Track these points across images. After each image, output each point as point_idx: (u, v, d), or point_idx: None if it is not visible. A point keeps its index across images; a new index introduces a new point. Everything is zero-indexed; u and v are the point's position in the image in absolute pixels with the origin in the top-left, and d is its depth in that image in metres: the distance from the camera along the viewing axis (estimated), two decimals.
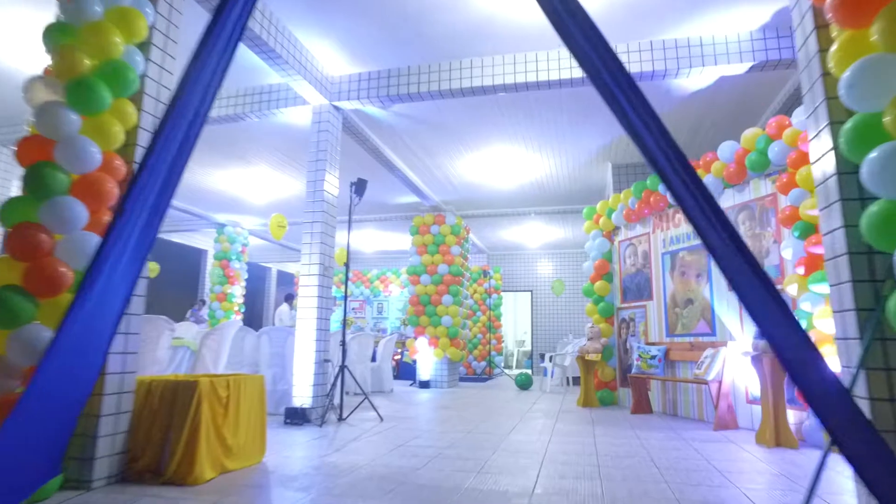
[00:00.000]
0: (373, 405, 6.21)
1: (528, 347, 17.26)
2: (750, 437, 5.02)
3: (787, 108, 6.33)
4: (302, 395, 5.56)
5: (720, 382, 5.59)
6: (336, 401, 5.99)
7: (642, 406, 6.67)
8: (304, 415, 5.33)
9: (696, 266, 6.29)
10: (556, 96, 6.46)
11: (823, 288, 4.71)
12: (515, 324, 17.75)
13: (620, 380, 7.48)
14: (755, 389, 5.48)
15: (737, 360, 5.64)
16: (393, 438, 4.81)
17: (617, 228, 7.73)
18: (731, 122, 7.06)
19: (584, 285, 8.02)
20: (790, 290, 4.97)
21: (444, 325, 10.10)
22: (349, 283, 15.40)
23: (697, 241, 6.29)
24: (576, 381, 10.60)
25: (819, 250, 4.76)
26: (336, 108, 6.40)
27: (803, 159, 5.01)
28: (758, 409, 5.45)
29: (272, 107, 6.52)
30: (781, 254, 5.06)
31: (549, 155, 8.25)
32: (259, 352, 6.35)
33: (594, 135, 7.51)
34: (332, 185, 6.22)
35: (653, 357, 6.55)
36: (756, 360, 4.85)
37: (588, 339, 7.50)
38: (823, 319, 4.72)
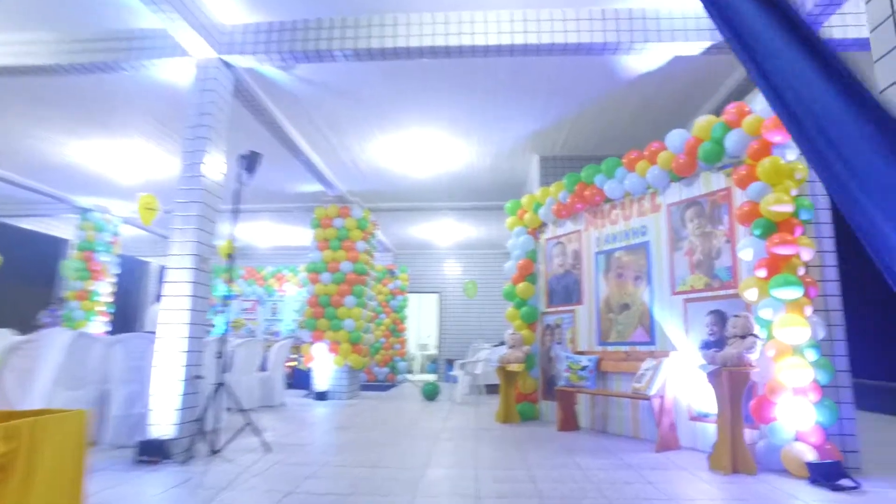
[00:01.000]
0: (257, 432, 4.96)
1: (432, 352, 16.36)
2: (697, 461, 4.35)
3: (732, 99, 5.82)
4: (162, 423, 4.20)
5: (663, 398, 4.90)
6: (211, 427, 4.69)
7: (570, 422, 5.91)
8: (163, 449, 4.00)
9: (635, 267, 5.62)
10: (491, 69, 5.55)
11: (787, 292, 4.12)
12: (419, 327, 16.79)
13: (543, 392, 6.70)
14: (699, 405, 4.84)
15: (680, 373, 4.99)
16: (280, 480, 3.63)
17: (544, 225, 6.98)
18: (674, 109, 6.49)
19: (504, 287, 7.19)
20: (748, 295, 4.35)
21: (346, 329, 8.91)
22: (240, 281, 13.74)
23: (637, 240, 5.63)
24: (488, 389, 9.79)
25: (783, 250, 4.18)
26: (226, 64, 5.10)
27: (765, 150, 4.42)
28: (702, 426, 4.81)
29: (143, 56, 5.11)
30: (738, 254, 4.44)
31: (474, 142, 7.35)
32: (111, 366, 4.89)
33: (525, 119, 6.70)
34: (216, 161, 4.92)
35: (583, 368, 5.80)
36: (714, 375, 4.17)
37: (509, 347, 6.67)
38: (786, 328, 4.13)
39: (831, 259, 4.52)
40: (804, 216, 4.39)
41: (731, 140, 4.60)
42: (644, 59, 5.37)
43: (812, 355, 4.15)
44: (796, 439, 4.09)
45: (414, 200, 10.05)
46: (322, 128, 6.94)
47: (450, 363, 12.83)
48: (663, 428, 4.81)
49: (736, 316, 4.23)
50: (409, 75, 5.71)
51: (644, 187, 5.54)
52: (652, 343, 5.35)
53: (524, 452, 4.66)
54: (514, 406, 6.50)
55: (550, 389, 6.55)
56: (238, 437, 4.92)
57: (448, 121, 6.74)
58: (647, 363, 5.10)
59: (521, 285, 6.92)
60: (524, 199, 7.09)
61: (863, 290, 6.02)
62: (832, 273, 4.50)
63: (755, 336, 4.12)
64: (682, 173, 5.09)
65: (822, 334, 4.24)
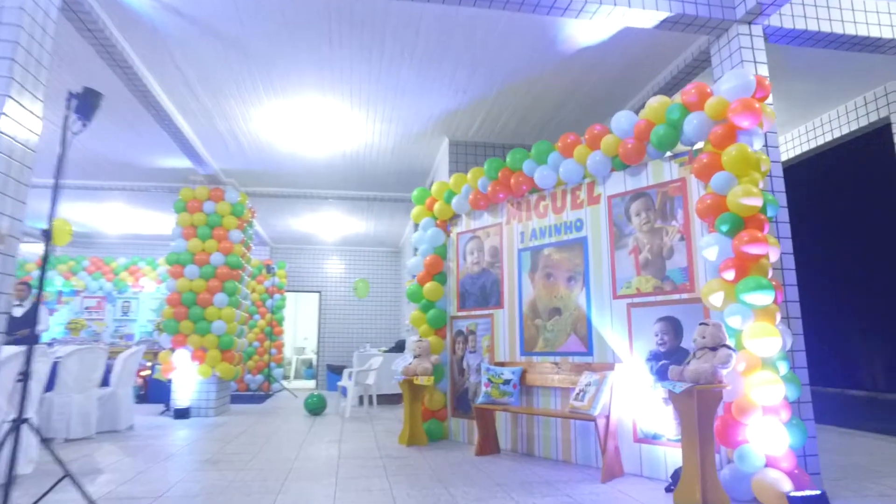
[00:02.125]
0: (79, 484, 3.45)
1: (309, 356, 14.82)
2: (654, 493, 3.59)
3: (676, 84, 5.24)
4: None
5: (608, 418, 4.12)
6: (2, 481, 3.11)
7: (490, 445, 4.97)
8: None
9: (568, 266, 4.82)
10: (411, 24, 4.46)
11: (758, 297, 3.48)
12: (296, 328, 15.17)
13: (453, 408, 5.72)
14: (648, 425, 4.12)
15: (624, 389, 4.25)
16: None
17: (457, 217, 6.01)
18: (602, 97, 5.79)
19: (408, 287, 6.13)
20: (713, 300, 3.68)
21: (215, 333, 7.33)
22: (83, 274, 11.31)
23: (571, 236, 4.83)
24: (381, 400, 8.64)
25: (754, 249, 3.54)
26: None
27: (730, 136, 3.77)
28: (650, 450, 4.09)
29: None
30: (702, 253, 3.76)
31: (378, 117, 6.18)
32: None
33: (441, 93, 5.67)
34: (30, 107, 3.34)
35: (507, 382, 4.90)
36: (684, 394, 3.42)
37: (414, 357, 5.61)
38: (756, 339, 3.49)
39: (789, 261, 4.00)
40: (770, 212, 3.82)
41: (691, 124, 3.93)
42: (590, 28, 4.58)
43: (783, 368, 3.56)
44: (766, 465, 3.48)
45: (300, 186, 8.61)
46: (194, 83, 5.41)
47: (332, 369, 11.47)
48: (609, 454, 4.03)
49: (704, 324, 3.53)
50: (311, 25, 4.45)
51: (581, 176, 4.76)
52: (588, 354, 4.57)
53: (452, 491, 3.62)
54: (420, 425, 5.44)
55: (462, 405, 5.59)
56: (55, 490, 3.36)
57: (351, 88, 5.53)
58: (587, 377, 4.30)
59: (428, 285, 5.89)
60: (434, 187, 6.07)
61: (811, 294, 5.72)
62: (791, 277, 3.98)
63: (729, 347, 3.43)
64: (630, 161, 4.36)
65: (789, 344, 3.68)
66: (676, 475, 3.67)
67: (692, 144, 4.09)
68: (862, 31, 4.43)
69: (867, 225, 6.39)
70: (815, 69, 5.42)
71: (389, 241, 12.63)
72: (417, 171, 7.89)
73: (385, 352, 9.24)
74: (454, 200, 5.81)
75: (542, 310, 4.97)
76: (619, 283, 4.41)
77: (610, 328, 4.43)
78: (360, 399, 8.65)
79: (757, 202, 3.61)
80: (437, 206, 6.01)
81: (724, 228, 3.66)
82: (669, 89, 5.33)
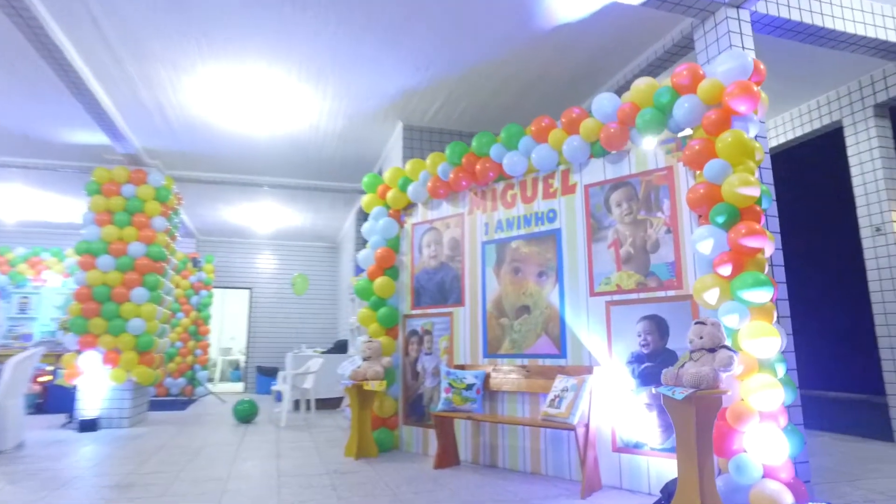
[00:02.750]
0: None
1: (236, 356, 13.73)
2: None
3: (652, 72, 4.92)
4: None
5: (588, 427, 3.69)
6: None
7: (449, 456, 4.44)
8: None
9: (538, 261, 4.37)
10: None
11: (757, 294, 3.16)
12: (222, 328, 14.01)
13: (404, 415, 5.15)
14: (628, 433, 3.73)
15: (603, 395, 3.84)
16: None
17: (412, 206, 5.44)
18: (579, 77, 5.38)
19: (356, 282, 5.49)
20: (708, 297, 3.33)
21: (132, 333, 6.37)
22: None
23: (543, 228, 4.39)
24: (318, 405, 7.89)
25: (752, 242, 3.21)
26: None
27: (725, 122, 3.44)
28: (631, 460, 3.69)
29: None
30: (697, 247, 3.39)
31: (328, 94, 5.50)
32: None
33: (400, 70, 5.09)
34: None
35: (469, 387, 4.39)
36: (685, 401, 3.03)
37: (364, 359, 4.99)
38: (754, 339, 3.17)
39: (779, 257, 3.73)
40: (764, 204, 3.52)
41: (682, 108, 3.57)
42: (573, 2, 4.16)
43: (781, 370, 3.26)
44: (764, 476, 3.15)
45: (234, 171, 7.72)
46: (114, 43, 4.54)
47: (263, 371, 10.57)
48: (589, 465, 3.60)
49: (700, 323, 3.16)
50: None
51: (555, 163, 4.33)
52: (561, 356, 4.13)
53: None
54: (370, 435, 4.83)
55: (415, 412, 5.03)
56: None
57: (301, 59, 4.84)
58: (562, 382, 3.85)
59: (379, 280, 5.28)
60: (388, 173, 5.48)
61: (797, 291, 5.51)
62: (780, 274, 3.71)
63: (728, 349, 3.08)
64: (613, 147, 3.96)
65: (784, 345, 3.39)
66: (668, 490, 3.28)
67: (679, 130, 3.74)
68: (842, 27, 4.27)
69: (811, 227, 6.42)
70: (778, 66, 5.29)
71: (328, 236, 11.83)
72: (365, 158, 7.24)
73: (323, 353, 8.51)
74: (410, 188, 5.24)
75: (509, 308, 4.50)
76: (597, 279, 4.01)
77: (586, 328, 4.01)
78: (296, 404, 7.88)
79: (755, 192, 3.29)
80: (390, 195, 5.42)
81: (721, 220, 3.31)
82: (646, 76, 5.01)
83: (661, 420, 3.58)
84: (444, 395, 4.41)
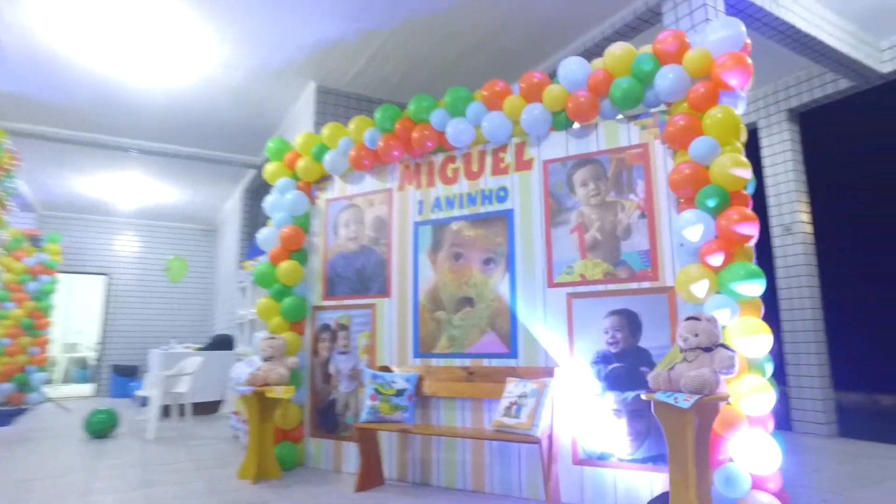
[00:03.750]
0: None
1: (84, 353, 11.54)
2: None
3: (622, 36, 4.40)
4: None
5: (551, 437, 3.09)
6: None
7: (374, 476, 3.63)
8: None
9: (485, 245, 3.70)
10: None
11: (750, 287, 2.76)
12: (68, 320, 11.69)
13: (312, 425, 4.22)
14: (590, 443, 3.19)
15: (562, 400, 3.26)
16: None
17: (327, 179, 4.51)
18: (532, 41, 4.71)
19: (256, 267, 4.45)
20: (696, 290, 2.87)
21: None
22: None
23: (492, 208, 3.72)
24: (196, 409, 6.55)
25: (745, 229, 2.81)
26: None
27: (713, 96, 3.00)
28: (594, 473, 3.15)
29: None
30: (684, 233, 2.91)
31: (229, 38, 4.34)
32: None
33: (322, 16, 4.13)
34: None
35: (400, 392, 3.60)
36: (688, 410, 2.51)
37: (264, 359, 3.99)
38: (746, 337, 2.76)
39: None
40: (749, 189, 3.15)
41: (667, 79, 3.09)
42: None
43: (769, 371, 2.89)
44: (752, 487, 2.76)
45: (92, 129, 6.10)
46: None
47: (120, 371, 8.82)
48: (553, 481, 2.99)
49: (694, 318, 2.67)
50: None
51: (508, 134, 3.68)
52: (511, 355, 3.49)
53: None
54: (272, 452, 3.85)
55: (326, 422, 4.13)
56: None
57: None
58: (518, 386, 3.21)
59: (284, 265, 4.29)
60: (300, 139, 4.49)
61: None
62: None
63: (727, 348, 2.63)
64: (581, 119, 3.40)
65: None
66: None
67: (658, 104, 3.27)
68: (802, 25, 4.11)
69: None
70: None
71: (204, 217, 10.21)
72: (263, 125, 6.07)
73: (200, 349, 7.17)
74: (327, 157, 4.31)
75: (447, 300, 3.78)
76: (556, 268, 3.43)
77: (542, 323, 3.41)
78: (164, 409, 6.49)
79: (747, 174, 2.89)
80: (301, 164, 4.44)
81: (712, 204, 2.87)
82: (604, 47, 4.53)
83: (630, 428, 3.08)
84: (368, 402, 3.58)
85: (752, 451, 2.69)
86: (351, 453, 3.96)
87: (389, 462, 3.79)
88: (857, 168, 5.24)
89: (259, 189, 7.95)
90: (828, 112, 5.37)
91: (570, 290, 3.35)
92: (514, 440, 3.00)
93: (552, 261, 3.44)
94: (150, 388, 5.80)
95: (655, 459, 2.99)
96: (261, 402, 3.79)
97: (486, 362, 3.57)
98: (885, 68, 4.83)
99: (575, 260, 3.37)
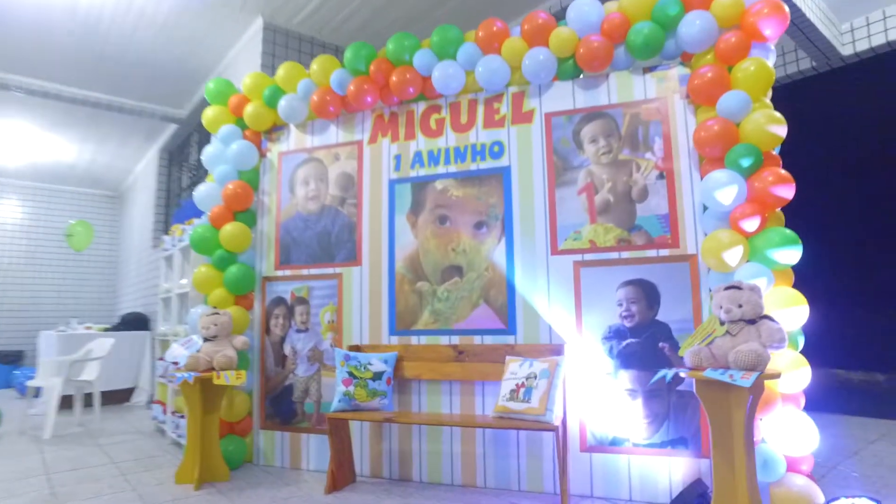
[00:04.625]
0: None
1: None
2: None
3: None
4: None
5: (565, 423, 2.68)
6: None
7: (345, 473, 3.05)
8: None
9: (476, 207, 3.19)
10: None
11: (787, 254, 2.48)
12: None
13: (262, 416, 3.54)
14: (601, 427, 2.81)
15: (571, 380, 2.85)
16: None
17: (280, 129, 3.78)
18: None
19: (194, 230, 3.65)
20: (728, 257, 2.54)
21: None
22: None
23: (482, 164, 3.21)
24: (105, 399, 5.52)
25: (783, 192, 2.52)
26: None
27: (744, 48, 2.68)
28: (606, 461, 2.79)
29: None
30: (715, 195, 2.56)
31: None
32: None
33: None
34: None
35: (377, 376, 3.03)
36: (742, 389, 2.17)
37: (206, 340, 3.26)
38: (783, 309, 2.49)
39: None
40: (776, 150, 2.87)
41: (694, 26, 2.72)
42: None
43: (801, 344, 2.64)
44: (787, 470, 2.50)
45: None
46: None
47: (3, 358, 7.41)
48: (561, 472, 2.59)
49: (735, 288, 2.32)
50: None
51: (504, 82, 3.18)
52: (509, 331, 3.03)
53: None
54: (218, 450, 3.15)
55: (281, 411, 3.47)
56: None
57: None
58: (523, 366, 2.76)
59: (228, 228, 3.54)
60: (249, 80, 3.71)
61: None
62: None
63: (772, 320, 2.32)
64: (593, 67, 2.95)
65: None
66: (686, 500, 2.45)
67: (678, 54, 2.91)
68: None
69: None
70: None
71: (108, 182, 8.78)
72: (193, 68, 5.09)
73: (106, 330, 6.10)
74: (283, 103, 3.58)
75: (431, 268, 3.24)
76: (561, 233, 3.00)
77: (545, 295, 2.98)
78: (64, 402, 5.41)
79: (783, 132, 2.61)
80: (249, 110, 3.67)
81: (746, 163, 2.55)
82: None
83: (647, 409, 2.74)
84: (340, 388, 2.99)
85: (786, 431, 2.44)
86: (312, 447, 3.35)
87: (361, 456, 3.22)
88: (818, 149, 5.26)
89: (181, 148, 6.89)
90: (789, 91, 5.34)
91: (577, 257, 2.94)
92: (526, 427, 2.55)
93: (556, 225, 3.01)
94: (45, 376, 4.77)
95: (675, 443, 2.68)
96: (204, 391, 3.07)
97: (477, 339, 3.09)
98: (846, 51, 4.85)
99: (583, 224, 2.96)
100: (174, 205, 6.89)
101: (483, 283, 3.12)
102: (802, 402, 2.54)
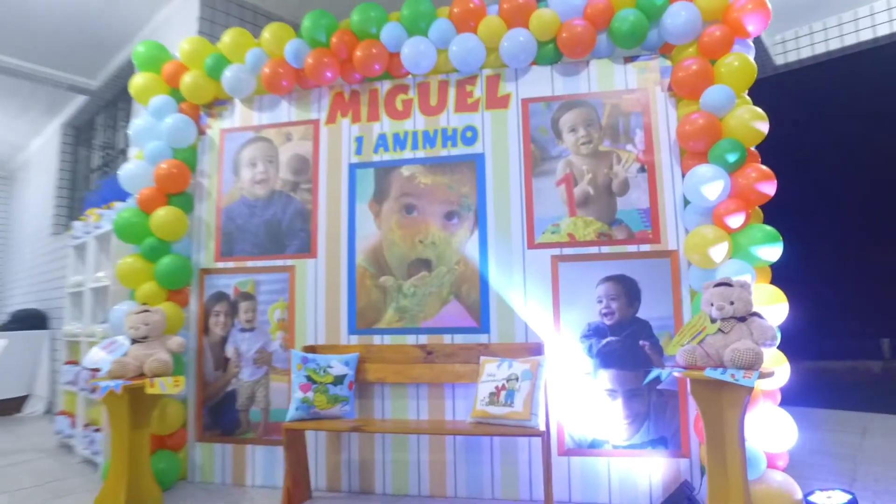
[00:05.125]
0: None
1: None
2: None
3: None
4: None
5: (548, 426, 2.51)
6: None
7: (301, 488, 2.71)
8: None
9: (447, 196, 2.95)
10: None
11: (769, 251, 2.46)
12: None
13: (199, 427, 3.10)
14: (579, 430, 2.68)
15: (550, 381, 2.69)
16: None
17: (223, 103, 3.34)
18: None
19: (119, 215, 3.14)
20: (713, 254, 2.48)
21: None
22: None
23: (453, 150, 2.97)
24: None
25: (766, 188, 2.49)
26: None
27: (727, 42, 2.64)
28: (581, 463, 2.67)
29: None
30: (702, 190, 2.49)
31: None
32: None
33: None
34: None
35: (339, 380, 2.72)
36: (739, 388, 2.09)
37: (134, 341, 2.79)
38: (765, 307, 2.46)
39: None
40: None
41: (679, 17, 2.64)
42: None
43: (778, 341, 2.63)
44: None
45: None
46: None
47: None
48: (546, 479, 2.42)
49: (725, 284, 2.26)
50: None
51: (479, 64, 2.96)
52: (482, 330, 2.83)
53: None
54: (149, 469, 2.70)
55: (221, 421, 3.06)
56: None
57: None
58: (501, 368, 2.56)
59: (160, 213, 3.07)
60: (187, 45, 3.23)
61: None
62: None
63: (761, 317, 2.28)
64: (574, 53, 2.80)
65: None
66: (678, 501, 2.35)
67: (659, 45, 2.83)
68: None
69: None
70: None
71: None
72: (111, 32, 4.42)
73: None
74: (228, 74, 3.15)
75: (396, 262, 2.97)
76: (539, 226, 2.83)
77: (521, 291, 2.80)
78: None
79: (765, 128, 2.59)
80: (187, 80, 3.20)
81: (732, 159, 2.51)
82: None
83: (627, 410, 2.64)
84: (298, 395, 2.65)
85: (766, 428, 2.42)
86: (259, 460, 2.98)
87: (315, 468, 2.90)
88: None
89: (89, 125, 6.07)
90: None
91: (555, 251, 2.79)
92: (509, 433, 2.37)
93: (533, 217, 2.84)
94: None
95: (655, 443, 2.60)
96: (134, 402, 2.62)
97: (448, 339, 2.86)
98: (779, 60, 5.08)
99: (562, 217, 2.81)
100: (82, 187, 6.07)
101: (454, 278, 2.89)
102: (779, 398, 2.54)
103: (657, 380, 2.59)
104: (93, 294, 3.73)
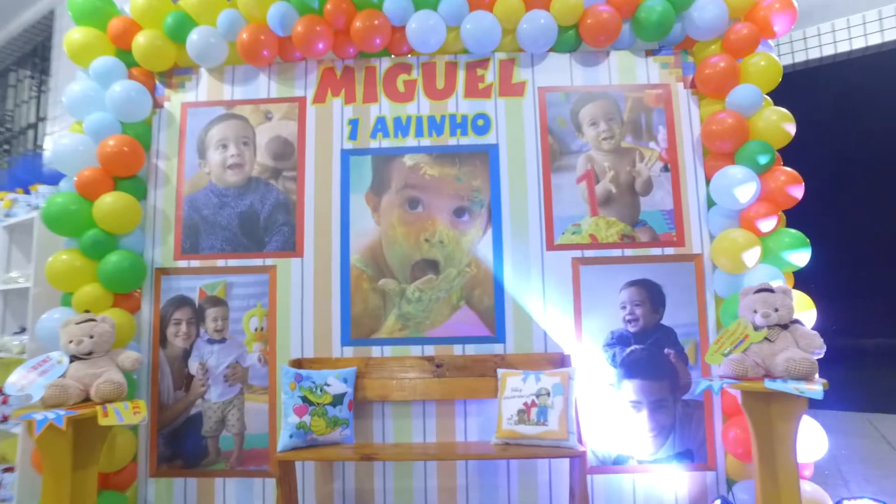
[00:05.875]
0: None
1: None
2: None
3: None
4: None
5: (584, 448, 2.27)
6: None
7: None
8: None
9: (456, 189, 2.63)
10: None
11: (799, 257, 2.39)
12: None
13: (154, 460, 2.56)
14: (604, 445, 2.47)
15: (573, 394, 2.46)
16: None
17: (187, 72, 2.79)
18: None
19: (49, 201, 2.52)
20: (747, 258, 2.36)
21: None
22: None
23: (462, 140, 2.66)
24: None
25: (795, 192, 2.41)
26: None
27: (754, 40, 2.54)
28: (604, 481, 2.46)
29: None
30: (735, 192, 2.35)
31: None
32: None
33: None
34: None
35: (338, 399, 2.33)
36: (798, 399, 1.95)
37: (73, 359, 2.23)
38: (799, 314, 2.38)
39: None
40: None
41: (707, 12, 2.51)
42: None
43: None
44: None
45: None
46: None
47: None
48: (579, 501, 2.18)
49: (766, 290, 2.14)
50: None
51: (492, 46, 2.67)
52: (497, 339, 2.54)
53: None
54: None
55: (183, 451, 2.54)
56: None
57: None
58: (523, 382, 2.29)
59: (106, 200, 2.49)
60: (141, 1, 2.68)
61: None
62: None
63: (801, 325, 2.18)
64: (597, 41, 2.58)
65: None
66: None
67: (679, 41, 2.69)
68: None
69: None
70: None
71: None
72: None
73: None
74: (195, 37, 2.63)
75: (398, 262, 2.61)
76: (558, 226, 2.59)
77: (540, 296, 2.55)
78: None
79: (792, 129, 2.51)
80: (141, 42, 2.63)
81: (763, 161, 2.41)
82: None
83: (653, 422, 2.47)
84: (292, 419, 2.23)
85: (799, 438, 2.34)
86: (232, 495, 2.50)
87: (304, 500, 2.48)
88: None
89: None
90: None
91: (576, 254, 2.57)
92: (544, 455, 2.11)
93: (553, 216, 2.60)
94: None
95: (680, 456, 2.45)
96: (79, 437, 2.07)
97: (458, 349, 2.56)
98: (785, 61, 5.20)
99: (583, 216, 2.60)
100: None
101: (465, 282, 2.58)
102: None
103: (687, 391, 2.45)
104: (3, 298, 3.02)
